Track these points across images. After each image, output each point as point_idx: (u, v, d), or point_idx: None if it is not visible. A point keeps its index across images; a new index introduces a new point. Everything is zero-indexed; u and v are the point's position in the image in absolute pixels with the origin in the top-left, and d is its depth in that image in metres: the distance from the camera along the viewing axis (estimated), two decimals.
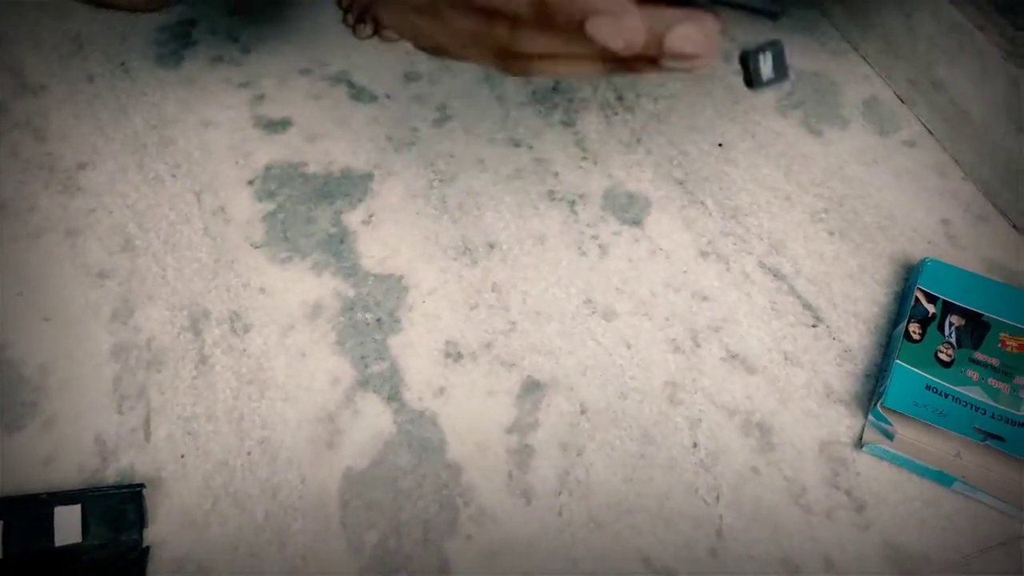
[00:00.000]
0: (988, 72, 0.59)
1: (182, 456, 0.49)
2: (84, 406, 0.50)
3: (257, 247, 0.58)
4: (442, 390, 0.52)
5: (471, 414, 0.51)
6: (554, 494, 0.48)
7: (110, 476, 0.48)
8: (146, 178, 0.62)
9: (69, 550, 0.44)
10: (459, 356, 0.54)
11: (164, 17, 0.73)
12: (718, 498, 0.49)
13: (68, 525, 0.45)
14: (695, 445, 0.51)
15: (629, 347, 0.55)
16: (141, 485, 0.47)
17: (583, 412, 0.52)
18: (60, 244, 0.58)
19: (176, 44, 0.72)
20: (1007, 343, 0.52)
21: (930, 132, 0.67)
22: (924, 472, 0.49)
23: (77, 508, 0.45)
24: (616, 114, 0.68)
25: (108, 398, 0.51)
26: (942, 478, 0.48)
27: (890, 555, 0.47)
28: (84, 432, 0.49)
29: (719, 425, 0.51)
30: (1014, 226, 0.61)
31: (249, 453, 0.49)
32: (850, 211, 0.62)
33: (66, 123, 0.65)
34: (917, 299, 0.54)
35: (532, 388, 0.52)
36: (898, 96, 0.69)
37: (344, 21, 0.75)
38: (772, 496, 0.49)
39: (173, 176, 0.62)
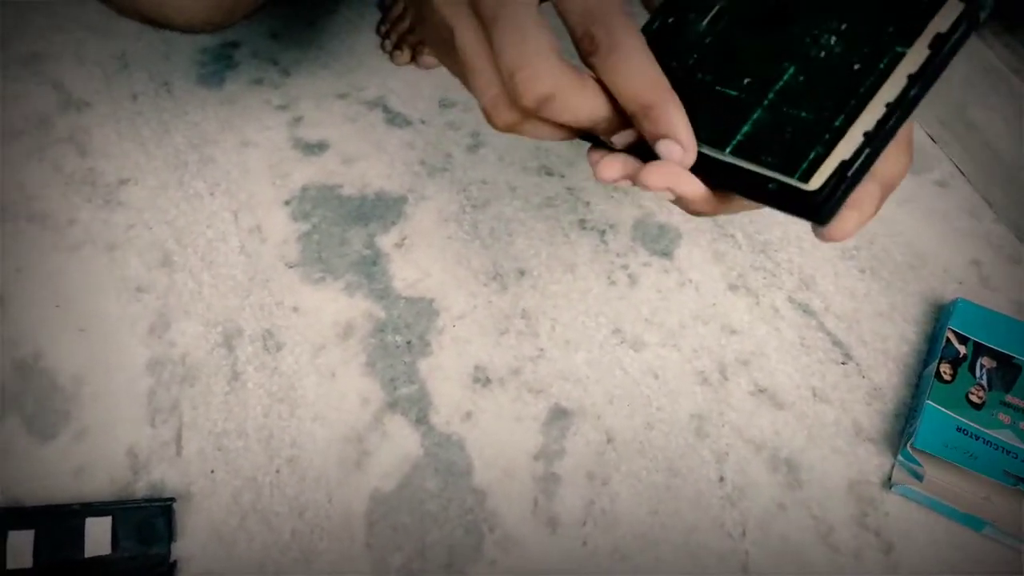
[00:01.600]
0: (1022, 114, 0.59)
1: (212, 471, 0.49)
2: (117, 418, 0.51)
3: (291, 267, 0.59)
4: (469, 415, 0.52)
5: (498, 439, 0.51)
6: (579, 524, 0.48)
7: (141, 489, 0.48)
8: (186, 195, 0.63)
9: (98, 561, 0.45)
10: (487, 381, 0.54)
11: (207, 39, 0.75)
12: (744, 533, 0.48)
13: (98, 537, 0.45)
14: (722, 479, 0.50)
15: (657, 378, 0.55)
16: (171, 499, 0.47)
17: (609, 441, 0.52)
18: (99, 257, 0.59)
19: (218, 65, 0.73)
20: None
21: (962, 172, 0.67)
22: (953, 515, 0.48)
23: (108, 520, 0.46)
24: None
25: (141, 411, 0.51)
26: (972, 522, 0.48)
27: None
28: (116, 444, 0.50)
29: (746, 460, 0.51)
30: None
31: (278, 471, 0.49)
32: (881, 249, 0.62)
33: (109, 139, 0.67)
34: (948, 339, 0.53)
35: (559, 416, 0.53)
36: (929, 136, 0.69)
37: (382, 47, 0.77)
38: (799, 534, 0.48)
39: (212, 194, 0.63)
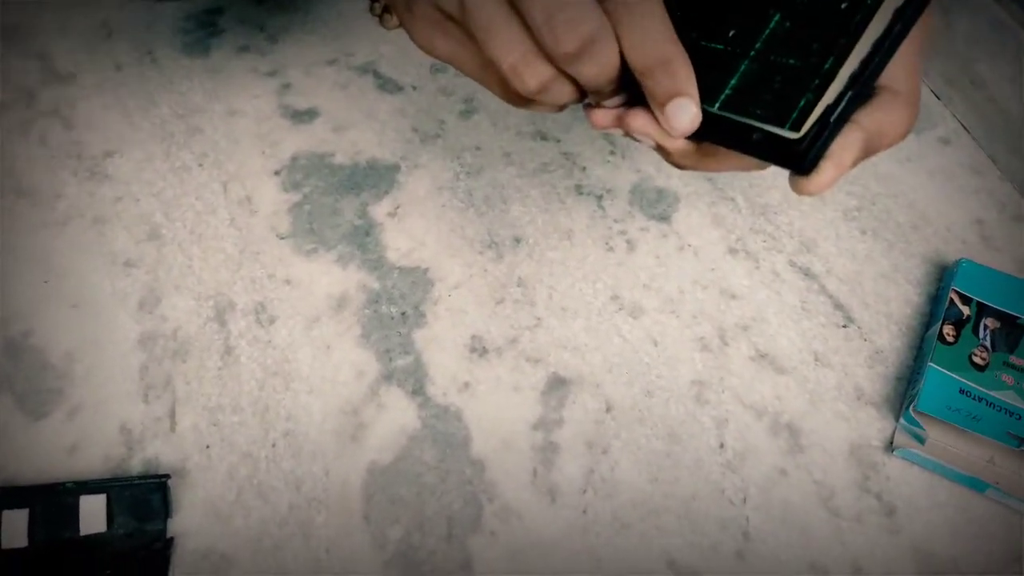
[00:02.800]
0: None
1: (207, 447, 0.49)
2: (110, 395, 0.50)
3: (283, 238, 0.58)
4: (467, 385, 0.52)
5: (496, 410, 0.51)
6: (579, 492, 0.48)
7: (135, 465, 0.48)
8: (173, 167, 0.62)
9: (94, 539, 0.45)
10: (484, 351, 0.53)
11: (191, 6, 0.73)
12: (745, 500, 0.48)
13: (93, 514, 0.45)
14: (722, 446, 0.50)
15: (656, 345, 0.54)
16: (166, 475, 0.47)
17: (609, 410, 0.51)
18: (87, 232, 0.58)
19: (203, 33, 0.71)
20: None
21: (966, 130, 0.65)
22: (956, 477, 0.48)
23: (103, 498, 0.45)
24: None
25: (134, 387, 0.51)
26: (975, 484, 0.47)
27: (920, 561, 0.46)
28: (110, 421, 0.49)
29: (747, 426, 0.51)
30: None
31: (274, 445, 0.49)
32: (883, 210, 0.60)
33: (94, 111, 0.65)
34: (952, 300, 0.53)
35: (557, 385, 0.52)
36: (934, 93, 0.68)
37: (371, 11, 0.75)
38: (800, 499, 0.48)
39: (200, 165, 0.62)
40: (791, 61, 0.27)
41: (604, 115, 0.31)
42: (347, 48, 0.71)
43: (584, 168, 0.63)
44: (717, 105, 0.28)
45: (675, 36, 0.28)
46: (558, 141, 0.65)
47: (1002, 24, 0.59)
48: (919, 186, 0.62)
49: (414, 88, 0.68)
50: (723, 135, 0.28)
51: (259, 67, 0.69)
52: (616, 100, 0.31)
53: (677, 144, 0.30)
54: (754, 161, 0.30)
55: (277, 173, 0.62)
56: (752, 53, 0.28)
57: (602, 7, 0.27)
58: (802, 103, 0.26)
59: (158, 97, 0.66)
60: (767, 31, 0.28)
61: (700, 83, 0.28)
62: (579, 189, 0.62)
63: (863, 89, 0.26)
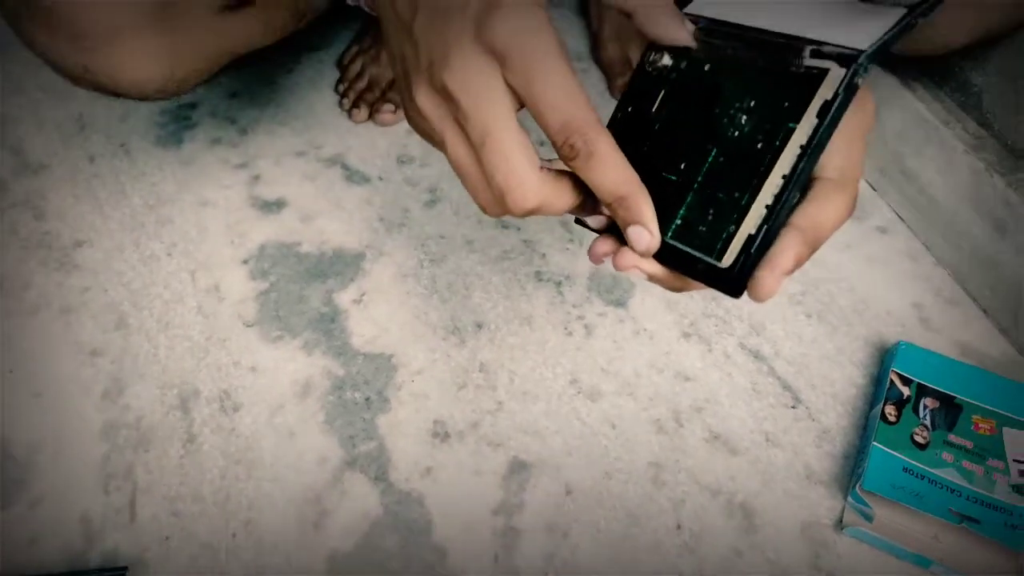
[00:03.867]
0: (953, 164, 0.62)
1: (167, 538, 0.49)
2: (71, 485, 0.50)
3: (249, 326, 0.59)
4: (429, 470, 0.53)
5: (458, 495, 0.52)
6: None
7: (94, 557, 0.48)
8: (142, 256, 0.63)
9: None
10: (446, 436, 0.54)
11: (166, 101, 0.76)
12: None
13: None
14: (679, 526, 0.51)
15: (614, 427, 0.56)
16: (124, 568, 0.46)
17: (568, 493, 0.52)
18: (54, 321, 0.58)
19: (176, 126, 0.74)
20: (979, 425, 0.53)
21: (901, 219, 0.69)
22: (903, 555, 0.50)
23: None
24: None
25: (95, 477, 0.51)
26: (920, 560, 0.49)
27: None
28: (70, 512, 0.49)
29: (702, 506, 0.52)
30: (984, 310, 0.63)
31: (234, 535, 0.49)
32: (826, 294, 0.64)
33: (65, 202, 0.67)
34: (892, 381, 0.55)
35: (518, 468, 0.53)
36: (870, 184, 0.72)
37: (340, 105, 0.78)
38: None
39: (169, 255, 0.63)
40: (720, 195, 0.30)
41: (598, 250, 0.35)
42: (316, 140, 0.74)
43: (544, 255, 0.66)
44: (669, 234, 0.32)
45: (632, 176, 0.32)
46: (518, 229, 0.67)
47: (926, 121, 0.64)
48: (859, 272, 0.65)
49: (380, 179, 0.71)
50: (678, 262, 0.32)
51: (230, 159, 0.72)
52: (596, 221, 0.35)
53: (653, 268, 0.34)
54: None
55: (245, 262, 0.63)
56: (695, 186, 0.32)
57: (571, 156, 0.31)
58: (724, 235, 0.29)
59: (129, 188, 0.68)
60: (706, 165, 0.31)
61: (660, 212, 0.32)
62: (539, 276, 0.64)
63: (779, 217, 0.29)
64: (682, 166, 0.32)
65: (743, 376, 0.59)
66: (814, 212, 0.32)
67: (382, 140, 0.75)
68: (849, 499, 0.51)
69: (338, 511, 0.50)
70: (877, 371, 0.59)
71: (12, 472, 0.51)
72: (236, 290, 0.61)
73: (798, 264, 0.31)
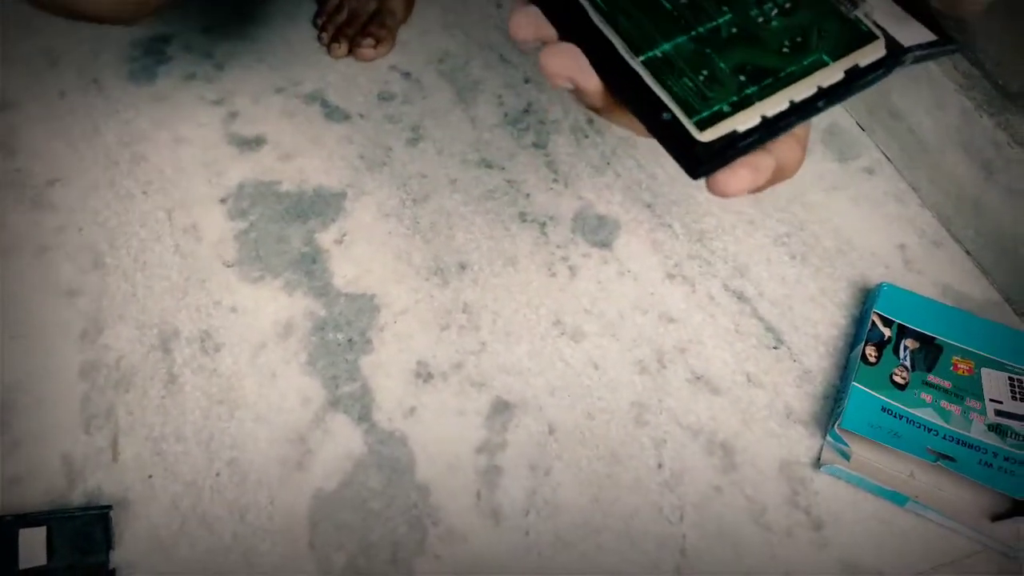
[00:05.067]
0: (942, 103, 0.62)
1: (150, 477, 0.49)
2: (52, 426, 0.50)
3: (229, 266, 0.59)
4: (412, 410, 0.53)
5: (441, 434, 0.52)
6: (522, 514, 0.49)
7: (77, 497, 0.48)
8: (117, 195, 0.62)
9: (34, 572, 0.44)
10: (430, 376, 0.54)
11: (138, 33, 0.73)
12: (682, 517, 0.50)
13: (33, 547, 0.45)
14: (660, 465, 0.52)
15: (597, 368, 0.56)
16: (108, 507, 0.46)
17: (551, 432, 0.53)
18: (30, 262, 0.57)
19: (149, 60, 0.72)
20: (959, 366, 0.53)
21: (888, 160, 0.69)
22: (879, 492, 0.51)
23: (42, 530, 0.45)
24: (587, 137, 0.69)
25: (76, 418, 0.51)
26: (896, 497, 0.50)
27: (846, 573, 0.48)
28: (51, 452, 0.49)
29: (683, 445, 0.53)
30: (967, 252, 0.63)
31: (218, 474, 0.49)
32: (811, 236, 0.63)
33: (37, 139, 0.65)
34: (873, 323, 0.55)
35: (501, 408, 0.53)
36: (858, 123, 0.71)
37: (319, 40, 0.76)
38: (734, 515, 0.50)
39: (144, 193, 0.62)
40: (722, 65, 0.27)
41: (523, 25, 0.29)
42: (295, 77, 0.72)
43: (528, 196, 0.65)
44: (642, 58, 0.27)
45: None
46: (503, 169, 0.66)
47: None
48: (844, 213, 0.65)
49: (361, 116, 0.69)
50: (637, 100, 0.27)
51: (206, 95, 0.70)
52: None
53: (591, 84, 0.28)
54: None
55: (223, 201, 0.62)
56: (692, 32, 0.28)
57: None
58: (716, 108, 0.26)
59: (103, 125, 0.66)
60: (713, 23, 0.28)
61: (637, 29, 0.28)
62: (523, 216, 0.63)
63: (772, 135, 0.27)
64: (683, 1, 0.29)
65: (726, 317, 0.59)
66: (785, 151, 0.31)
67: (362, 76, 0.73)
68: (827, 438, 0.52)
69: (321, 451, 0.51)
70: (859, 312, 0.59)
71: None
72: (215, 229, 0.60)
73: (763, 187, 0.30)
